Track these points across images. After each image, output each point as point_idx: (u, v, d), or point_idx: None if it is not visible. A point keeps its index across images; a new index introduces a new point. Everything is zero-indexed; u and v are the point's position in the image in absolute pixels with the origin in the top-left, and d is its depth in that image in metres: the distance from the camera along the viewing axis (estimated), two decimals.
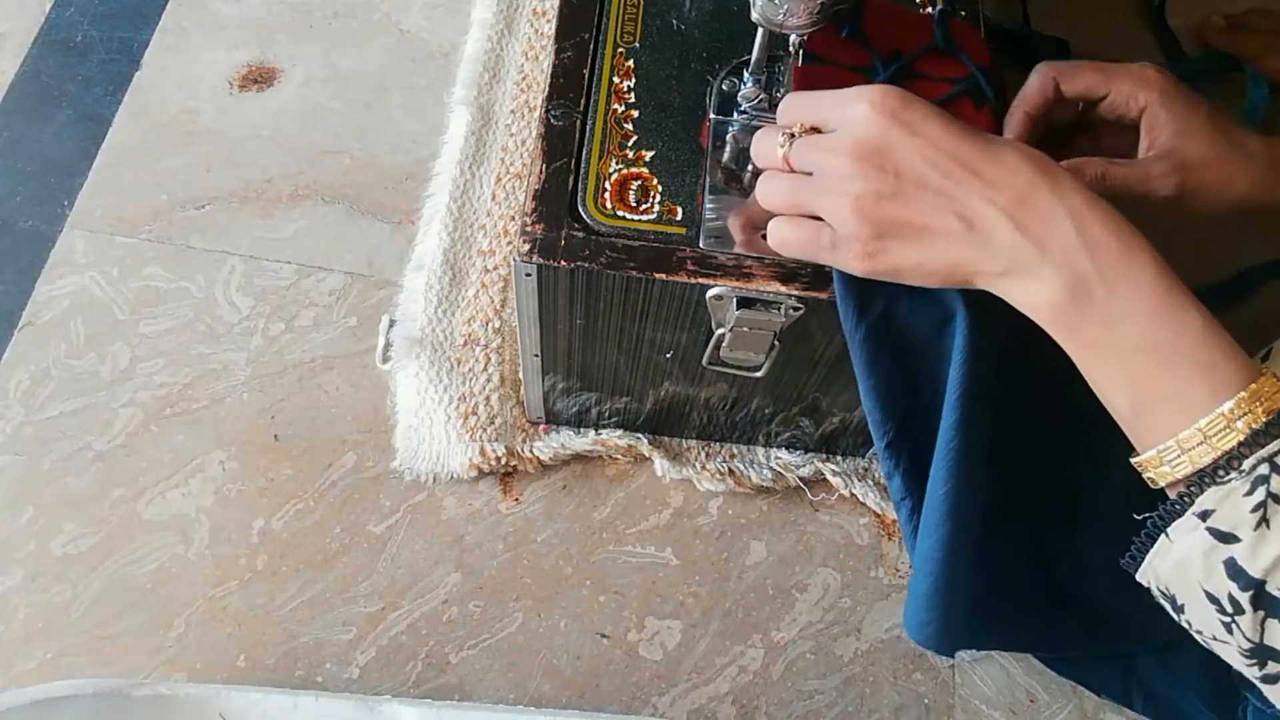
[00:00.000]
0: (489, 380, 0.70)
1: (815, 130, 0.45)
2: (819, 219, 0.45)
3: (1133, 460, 0.42)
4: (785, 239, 0.46)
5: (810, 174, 0.45)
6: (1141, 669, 0.60)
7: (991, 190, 0.41)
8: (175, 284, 0.74)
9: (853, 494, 0.69)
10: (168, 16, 0.86)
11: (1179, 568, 0.40)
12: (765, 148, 0.47)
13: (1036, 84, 0.55)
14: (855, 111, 0.42)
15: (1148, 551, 0.41)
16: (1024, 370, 0.49)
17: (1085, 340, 0.41)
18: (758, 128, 0.54)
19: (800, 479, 0.69)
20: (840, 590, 0.67)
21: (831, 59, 0.55)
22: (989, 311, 0.46)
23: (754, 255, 0.50)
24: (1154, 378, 0.40)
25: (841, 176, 0.42)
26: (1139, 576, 0.43)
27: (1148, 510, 0.41)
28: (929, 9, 0.58)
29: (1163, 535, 0.40)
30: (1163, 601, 0.42)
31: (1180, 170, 0.52)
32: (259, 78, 0.83)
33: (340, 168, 0.80)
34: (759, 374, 0.56)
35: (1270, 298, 0.71)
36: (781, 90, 0.54)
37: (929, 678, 0.65)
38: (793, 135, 0.45)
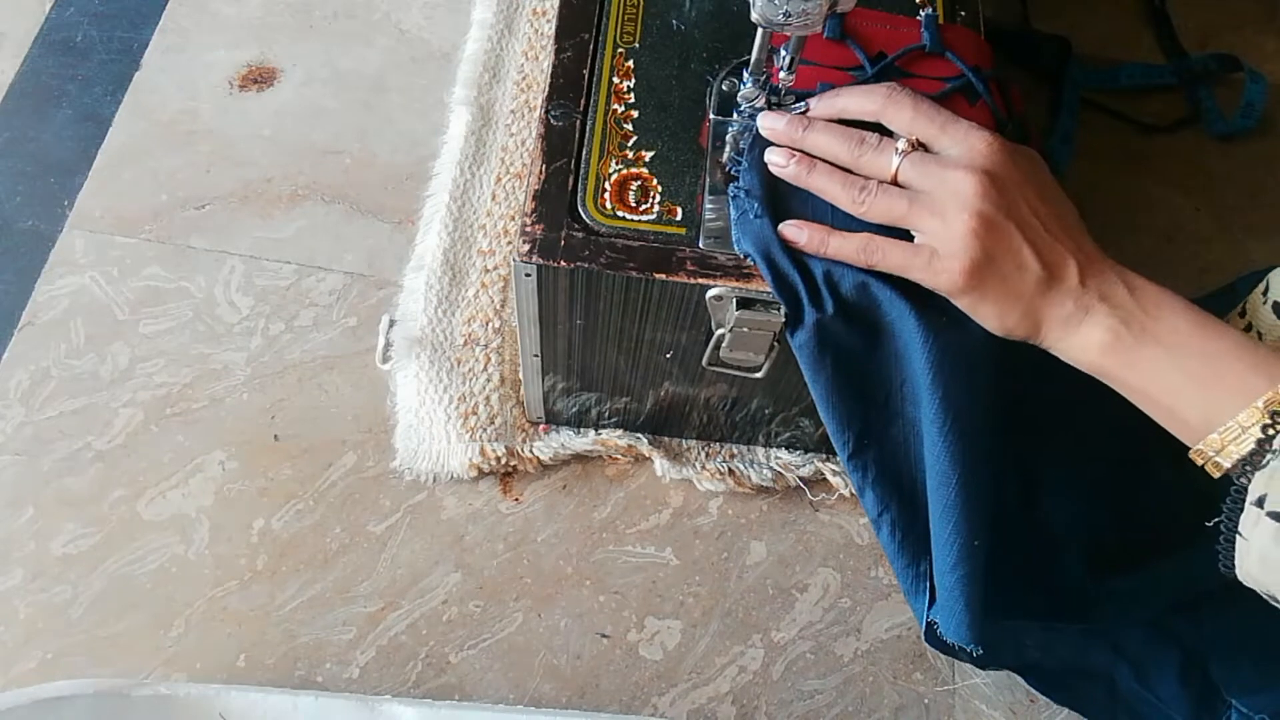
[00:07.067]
0: (489, 380, 0.70)
1: (923, 147, 0.48)
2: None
3: (1193, 452, 0.44)
4: (886, 253, 0.47)
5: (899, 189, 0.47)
6: (1123, 689, 0.60)
7: (1074, 246, 0.46)
8: (175, 284, 0.74)
9: (853, 494, 0.69)
10: (168, 16, 0.86)
11: (1262, 564, 0.42)
12: (876, 162, 0.48)
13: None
14: (977, 141, 0.46)
15: (1234, 556, 0.43)
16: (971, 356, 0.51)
17: (1143, 367, 0.45)
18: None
19: (800, 479, 0.69)
20: (840, 590, 0.67)
21: (816, 60, 0.55)
22: (930, 307, 0.48)
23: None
24: (1215, 380, 0.43)
25: (963, 195, 0.45)
26: (1241, 580, 0.44)
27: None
28: (925, 10, 0.58)
29: (1238, 535, 0.43)
30: (1271, 602, 0.44)
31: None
32: (259, 78, 0.83)
33: (340, 168, 0.80)
34: (759, 374, 0.56)
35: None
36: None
37: (929, 678, 0.65)
38: (905, 150, 0.47)
